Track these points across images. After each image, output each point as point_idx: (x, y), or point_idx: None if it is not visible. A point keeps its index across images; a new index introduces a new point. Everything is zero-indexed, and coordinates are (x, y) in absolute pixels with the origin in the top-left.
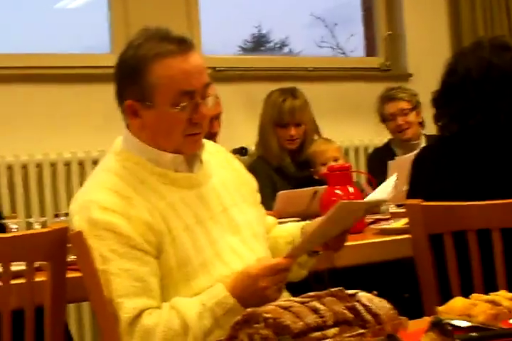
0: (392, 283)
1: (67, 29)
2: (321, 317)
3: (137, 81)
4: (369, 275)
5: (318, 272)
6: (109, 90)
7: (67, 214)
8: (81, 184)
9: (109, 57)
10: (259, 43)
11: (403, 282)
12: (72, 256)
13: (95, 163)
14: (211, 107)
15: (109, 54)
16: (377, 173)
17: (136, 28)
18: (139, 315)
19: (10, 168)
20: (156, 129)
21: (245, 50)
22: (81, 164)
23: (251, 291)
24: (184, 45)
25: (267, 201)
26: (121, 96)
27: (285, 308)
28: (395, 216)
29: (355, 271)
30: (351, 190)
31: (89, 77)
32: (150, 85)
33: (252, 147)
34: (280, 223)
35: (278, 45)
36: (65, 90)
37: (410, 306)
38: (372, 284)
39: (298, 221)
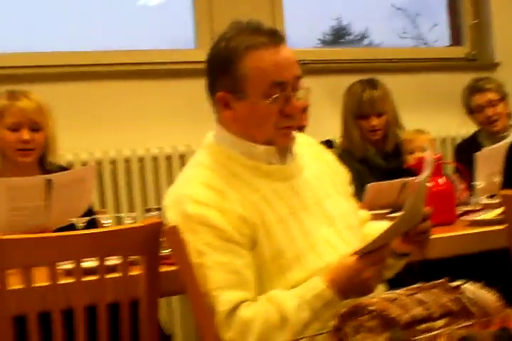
0: (484, 274)
1: (150, 26)
2: (427, 309)
3: (229, 72)
4: (461, 266)
5: (410, 265)
6: (194, 85)
7: (158, 209)
8: (168, 179)
9: (194, 52)
10: (338, 36)
11: (496, 273)
12: (165, 251)
13: (182, 157)
14: (303, 99)
15: (194, 49)
16: (464, 165)
17: (221, 23)
18: (235, 308)
19: (99, 163)
20: (248, 121)
21: (325, 42)
22: (168, 159)
23: (353, 283)
24: (276, 37)
25: (355, 193)
26: (212, 89)
27: (390, 301)
28: (488, 207)
29: (447, 262)
30: (441, 180)
31: (175, 72)
32: (242, 76)
33: (337, 140)
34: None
35: (358, 37)
36: (151, 86)
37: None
38: (464, 276)
39: (387, 213)
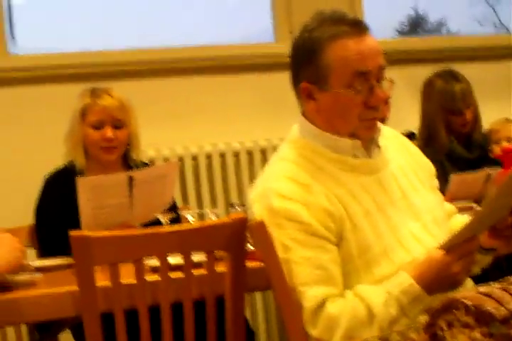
0: None
1: (230, 20)
2: None
3: (312, 62)
4: None
5: (498, 260)
6: (273, 79)
7: (241, 204)
8: (250, 174)
9: (273, 46)
10: (415, 25)
11: None
12: (250, 246)
13: (263, 152)
14: (386, 90)
15: (273, 43)
16: None
17: (299, 16)
18: (322, 304)
19: (181, 159)
20: (332, 112)
21: (402, 33)
22: (249, 154)
23: (441, 277)
24: (359, 26)
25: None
26: (296, 80)
27: (486, 295)
28: None
29: None
30: None
31: (254, 66)
32: (325, 66)
33: (416, 130)
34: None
35: (435, 26)
36: (231, 81)
37: None
38: None
39: (471, 206)
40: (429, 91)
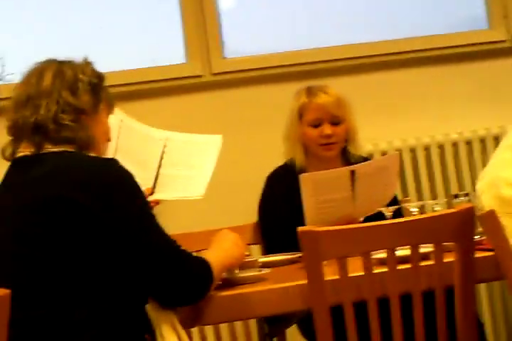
0: None
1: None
2: None
3: None
4: None
5: None
6: (490, 67)
7: (465, 195)
8: (470, 164)
9: (488, 33)
10: None
11: None
12: (477, 236)
13: (483, 142)
14: None
15: (487, 30)
16: None
17: None
18: None
19: (399, 152)
20: None
21: None
22: (468, 144)
23: None
24: None
25: None
26: None
27: None
28: None
29: None
30: None
31: (470, 54)
32: None
33: None
34: None
35: None
36: (446, 70)
37: None
38: None
39: None
40: None
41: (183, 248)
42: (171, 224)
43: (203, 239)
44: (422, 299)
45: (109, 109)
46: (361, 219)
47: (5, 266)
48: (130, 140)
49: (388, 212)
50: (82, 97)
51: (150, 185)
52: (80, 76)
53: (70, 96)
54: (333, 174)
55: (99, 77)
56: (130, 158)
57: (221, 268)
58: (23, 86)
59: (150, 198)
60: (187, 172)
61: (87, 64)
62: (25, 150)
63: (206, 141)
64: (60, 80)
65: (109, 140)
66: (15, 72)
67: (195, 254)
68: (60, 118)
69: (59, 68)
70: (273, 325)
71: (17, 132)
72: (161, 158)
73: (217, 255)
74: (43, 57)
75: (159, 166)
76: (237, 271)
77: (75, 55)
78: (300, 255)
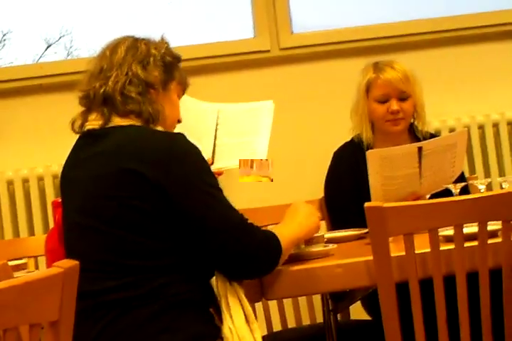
0: None
1: None
2: None
3: None
4: None
5: None
6: None
7: None
8: None
9: None
10: None
11: None
12: None
13: None
14: None
15: None
16: None
17: None
18: None
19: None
20: None
21: None
22: None
23: None
24: None
25: None
26: None
27: None
28: None
29: None
30: None
31: None
32: None
33: None
34: None
35: None
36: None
37: None
38: None
39: None
40: None
41: (250, 221)
42: (238, 200)
43: (270, 214)
44: (488, 277)
45: (181, 90)
46: (427, 196)
47: (76, 238)
48: (184, 114)
49: (456, 188)
50: (152, 72)
51: (209, 156)
52: (153, 51)
53: (139, 69)
54: (400, 151)
55: (175, 56)
56: (187, 132)
57: (291, 242)
58: (98, 59)
59: (212, 168)
60: (243, 138)
61: (163, 42)
62: (93, 123)
63: (257, 108)
64: (132, 54)
65: (179, 121)
66: (81, 48)
67: (263, 229)
68: (127, 90)
69: (134, 43)
70: (337, 301)
71: (88, 103)
72: (216, 130)
73: (288, 229)
74: (110, 33)
75: (215, 138)
76: (303, 246)
77: (143, 31)
78: (366, 231)
